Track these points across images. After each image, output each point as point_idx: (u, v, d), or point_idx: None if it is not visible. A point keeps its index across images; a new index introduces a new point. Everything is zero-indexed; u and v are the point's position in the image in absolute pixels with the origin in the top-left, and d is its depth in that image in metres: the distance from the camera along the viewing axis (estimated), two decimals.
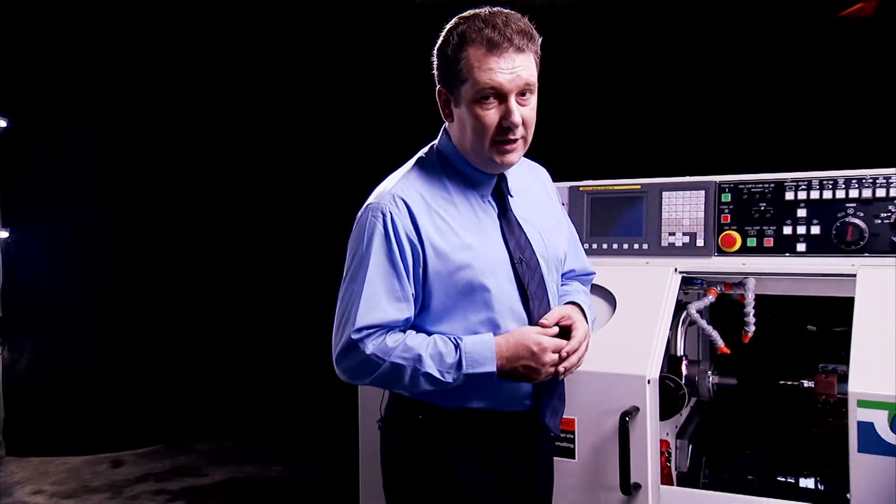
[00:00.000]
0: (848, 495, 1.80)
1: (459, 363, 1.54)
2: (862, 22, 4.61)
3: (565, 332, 1.63)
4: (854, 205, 2.11)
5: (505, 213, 1.67)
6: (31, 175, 5.21)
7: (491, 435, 1.65)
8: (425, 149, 1.73)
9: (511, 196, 1.70)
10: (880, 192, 2.07)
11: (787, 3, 4.16)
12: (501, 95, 1.56)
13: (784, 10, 4.15)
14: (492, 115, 1.57)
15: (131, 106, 5.39)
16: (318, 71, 5.43)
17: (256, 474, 4.79)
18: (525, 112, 1.59)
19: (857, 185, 2.10)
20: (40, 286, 5.25)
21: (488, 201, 1.67)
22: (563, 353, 1.59)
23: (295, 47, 5.33)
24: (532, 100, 1.61)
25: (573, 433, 2.09)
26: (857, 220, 2.10)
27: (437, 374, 1.54)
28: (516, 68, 1.55)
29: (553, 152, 2.13)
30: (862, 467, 1.77)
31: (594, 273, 1.95)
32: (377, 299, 1.56)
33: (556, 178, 1.95)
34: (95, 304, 5.41)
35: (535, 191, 1.79)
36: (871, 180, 2.09)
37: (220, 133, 5.75)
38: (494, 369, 1.54)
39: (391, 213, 1.59)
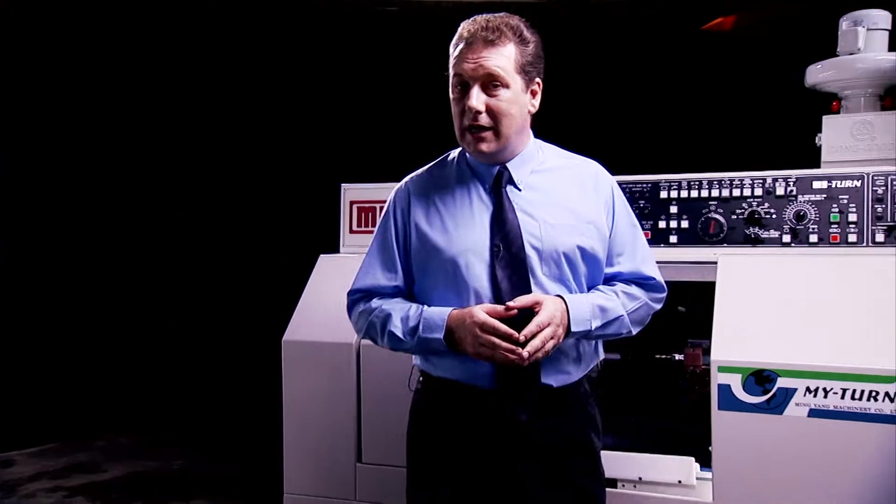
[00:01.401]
0: (710, 447, 2.13)
1: (416, 327, 1.69)
2: (722, 36, 5.11)
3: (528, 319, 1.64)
4: (715, 203, 2.45)
5: (499, 203, 1.74)
6: None
7: (459, 407, 1.75)
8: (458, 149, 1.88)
9: (519, 189, 1.76)
10: (736, 192, 2.42)
11: (657, 18, 4.57)
12: (466, 84, 1.69)
13: (659, 26, 4.55)
14: (459, 104, 1.71)
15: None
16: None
17: (158, 468, 4.77)
18: (492, 103, 1.68)
19: (717, 186, 2.44)
20: None
21: (488, 192, 1.76)
22: (521, 337, 1.59)
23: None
24: (503, 92, 1.68)
25: None
26: (717, 216, 2.45)
27: (399, 335, 1.71)
28: (481, 58, 1.66)
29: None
30: (721, 422, 2.08)
31: (653, 278, 1.88)
32: (372, 268, 1.81)
33: None
34: None
35: (566, 190, 1.80)
36: (728, 182, 2.44)
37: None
38: (441, 336, 1.65)
39: (396, 198, 1.84)
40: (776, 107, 3.66)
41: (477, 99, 1.67)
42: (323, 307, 2.66)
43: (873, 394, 1.95)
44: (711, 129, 4.40)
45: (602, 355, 1.90)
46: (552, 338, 1.63)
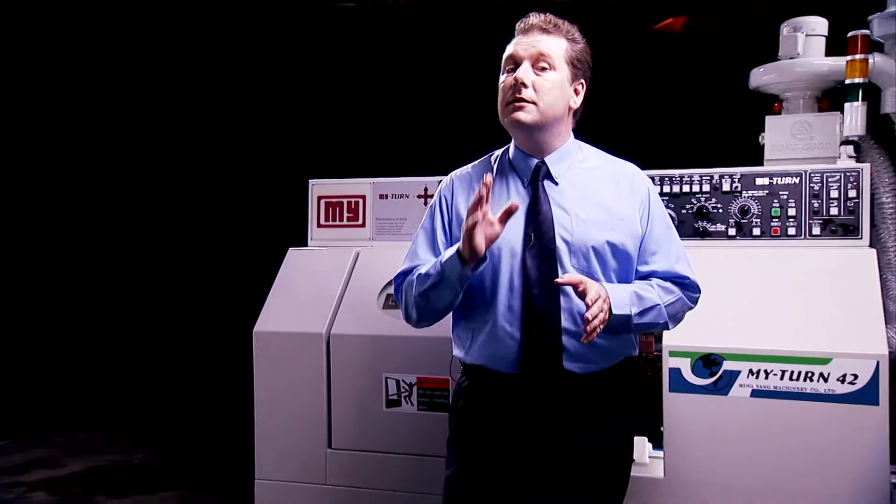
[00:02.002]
0: (661, 428, 2.27)
1: (438, 261, 1.79)
2: (672, 36, 5.28)
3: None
4: (666, 198, 2.57)
5: (535, 196, 1.83)
6: None
7: (489, 390, 1.85)
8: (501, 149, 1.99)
9: (556, 183, 1.85)
10: (686, 188, 2.56)
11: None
12: (517, 63, 1.80)
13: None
14: (508, 79, 1.81)
15: None
16: None
17: (118, 462, 4.76)
18: (538, 81, 1.79)
19: (668, 182, 2.57)
20: None
21: (526, 186, 1.86)
22: (588, 302, 1.65)
23: None
24: (550, 73, 1.79)
25: (447, 390, 2.47)
26: (668, 211, 2.58)
27: (424, 271, 1.82)
28: (535, 41, 1.80)
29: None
30: (672, 403, 2.23)
31: (688, 277, 1.91)
32: (417, 252, 1.94)
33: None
34: None
35: (601, 188, 1.87)
36: (678, 178, 2.58)
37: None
38: (455, 251, 1.72)
39: (442, 188, 1.98)
40: (723, 107, 3.83)
41: (525, 73, 1.78)
42: (293, 299, 2.73)
43: (809, 375, 2.12)
44: (661, 127, 4.56)
45: (636, 351, 1.95)
46: (602, 311, 1.68)
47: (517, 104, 1.79)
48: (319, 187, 2.98)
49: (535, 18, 1.83)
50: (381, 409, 2.56)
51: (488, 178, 1.66)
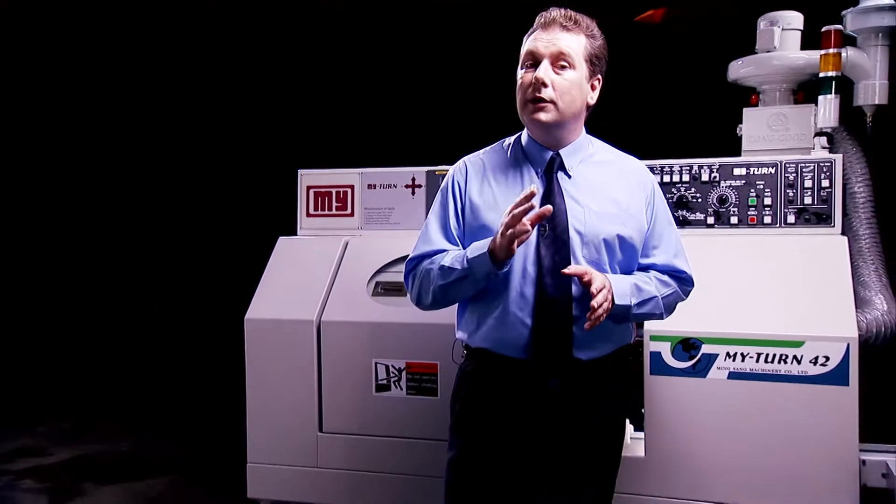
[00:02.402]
0: (643, 410, 2.36)
1: (464, 255, 1.81)
2: (652, 27, 5.35)
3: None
4: None
5: (549, 187, 1.87)
6: None
7: (497, 374, 1.88)
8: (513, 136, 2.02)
9: (569, 176, 1.89)
10: (666, 178, 2.64)
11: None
12: (537, 61, 1.82)
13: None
14: (527, 76, 1.83)
15: None
16: None
17: (105, 451, 4.78)
18: (557, 80, 1.81)
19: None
20: None
21: (540, 176, 1.90)
22: (593, 291, 1.71)
23: None
24: (569, 73, 1.82)
25: (436, 374, 2.53)
26: None
27: (448, 264, 1.83)
28: (555, 38, 1.82)
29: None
30: (652, 386, 2.32)
31: (685, 272, 1.99)
32: (430, 237, 1.96)
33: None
34: None
35: (611, 182, 1.92)
36: (659, 168, 2.65)
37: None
38: (486, 249, 1.75)
39: (455, 173, 1.99)
40: (702, 99, 3.90)
41: (545, 72, 1.81)
42: (283, 286, 2.78)
43: (783, 357, 2.21)
44: (642, 118, 4.62)
45: (632, 339, 2.02)
46: (607, 300, 1.75)
47: (538, 104, 1.82)
48: (308, 177, 3.02)
49: (556, 13, 1.85)
50: (370, 393, 2.62)
51: (533, 188, 1.70)
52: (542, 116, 1.83)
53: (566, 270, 1.76)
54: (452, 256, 1.86)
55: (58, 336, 6.07)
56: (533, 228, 1.71)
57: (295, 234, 3.03)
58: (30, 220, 5.87)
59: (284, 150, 5.22)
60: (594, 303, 1.72)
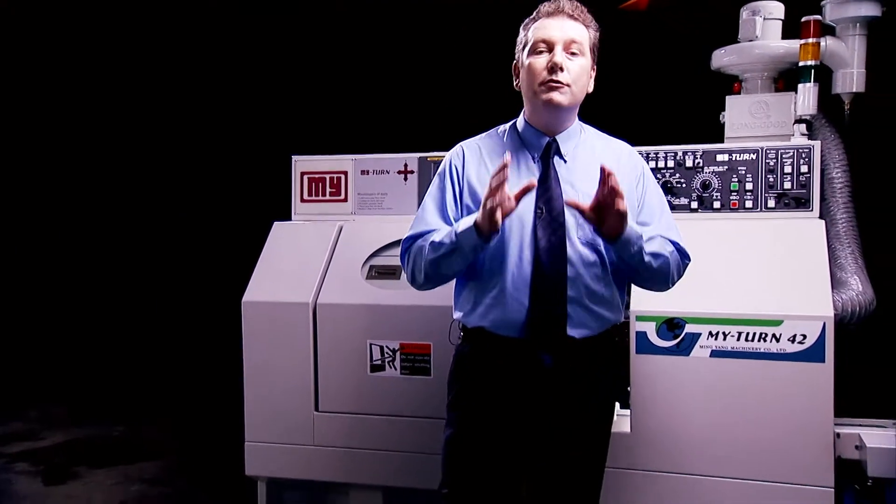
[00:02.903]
0: (628, 388, 2.44)
1: (454, 229, 1.87)
2: (637, 14, 5.41)
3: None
4: None
5: (546, 172, 1.94)
6: None
7: (493, 352, 1.95)
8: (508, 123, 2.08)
9: (564, 161, 1.97)
10: (651, 164, 2.67)
11: None
12: (550, 46, 1.89)
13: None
14: (541, 60, 1.90)
15: None
16: None
17: (97, 435, 4.83)
18: (571, 65, 1.89)
19: None
20: None
21: (537, 161, 1.97)
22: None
23: None
24: (580, 61, 1.91)
25: (429, 355, 2.61)
26: None
27: (438, 239, 1.90)
28: (566, 26, 1.90)
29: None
30: (638, 364, 2.40)
31: (678, 243, 2.04)
32: (426, 217, 2.01)
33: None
34: None
35: (600, 163, 1.89)
36: (645, 154, 2.67)
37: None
38: (472, 223, 1.81)
39: (452, 157, 2.05)
40: (687, 87, 3.97)
41: (562, 56, 1.88)
42: (279, 270, 2.83)
43: (763, 336, 2.30)
44: (628, 105, 4.69)
45: (621, 318, 2.07)
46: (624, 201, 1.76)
47: (555, 85, 1.89)
48: (302, 163, 3.06)
49: (564, 3, 1.93)
50: (365, 373, 2.69)
51: (507, 157, 1.75)
52: (558, 97, 1.89)
53: (569, 200, 1.83)
54: (441, 233, 1.93)
55: (52, 321, 6.09)
56: (517, 203, 1.78)
57: (289, 219, 3.08)
58: (20, 205, 5.86)
59: (279, 137, 5.25)
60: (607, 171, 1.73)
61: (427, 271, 1.96)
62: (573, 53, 1.91)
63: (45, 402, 5.48)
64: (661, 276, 1.98)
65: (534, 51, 1.93)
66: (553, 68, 1.88)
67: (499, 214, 1.76)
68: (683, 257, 2.07)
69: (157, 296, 6.16)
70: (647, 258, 1.91)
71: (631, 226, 1.84)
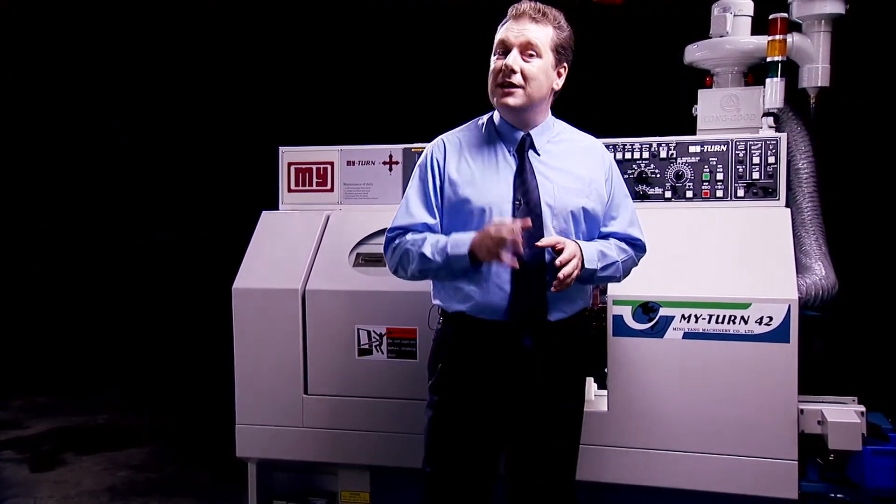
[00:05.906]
0: (605, 370, 2.56)
1: (445, 247, 1.98)
2: (612, 9, 5.49)
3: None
4: None
5: (522, 165, 2.05)
6: None
7: (474, 336, 2.05)
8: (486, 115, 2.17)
9: (539, 154, 2.07)
10: (627, 155, 2.82)
11: None
12: (507, 50, 1.99)
13: None
14: (498, 63, 2.01)
15: None
16: None
17: (83, 423, 4.87)
18: (526, 67, 1.98)
19: (611, 150, 2.77)
20: None
21: (512, 154, 2.07)
22: (558, 263, 1.90)
23: None
24: (536, 61, 1.99)
25: (415, 339, 2.71)
26: None
27: (429, 255, 1.99)
28: (524, 29, 1.98)
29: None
30: (615, 346, 2.52)
31: (640, 239, 2.20)
32: (410, 209, 2.09)
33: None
34: None
35: (575, 160, 2.11)
36: (621, 146, 2.83)
37: None
38: (466, 250, 1.93)
39: (433, 149, 2.14)
40: (660, 80, 4.07)
41: (514, 60, 1.98)
42: (268, 258, 2.90)
43: (732, 318, 2.43)
44: (603, 98, 4.78)
45: (590, 303, 2.23)
46: (576, 268, 1.94)
47: (506, 89, 2.00)
48: (289, 154, 3.13)
49: (526, 6, 2.03)
50: (353, 357, 2.77)
51: (521, 224, 1.88)
52: (510, 100, 2.01)
53: (539, 243, 1.94)
54: (432, 245, 2.01)
55: (39, 311, 6.09)
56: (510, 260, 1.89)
57: (277, 208, 3.14)
58: (10, 198, 5.85)
59: (266, 128, 5.30)
60: (560, 274, 1.91)
61: (413, 274, 2.09)
62: (530, 55, 2.00)
63: (29, 392, 5.50)
64: (616, 280, 2.18)
65: (495, 53, 2.05)
66: (505, 70, 1.99)
67: (503, 259, 1.87)
68: (641, 252, 2.24)
69: (148, 284, 6.18)
70: (603, 279, 2.13)
71: (587, 268, 1.99)
